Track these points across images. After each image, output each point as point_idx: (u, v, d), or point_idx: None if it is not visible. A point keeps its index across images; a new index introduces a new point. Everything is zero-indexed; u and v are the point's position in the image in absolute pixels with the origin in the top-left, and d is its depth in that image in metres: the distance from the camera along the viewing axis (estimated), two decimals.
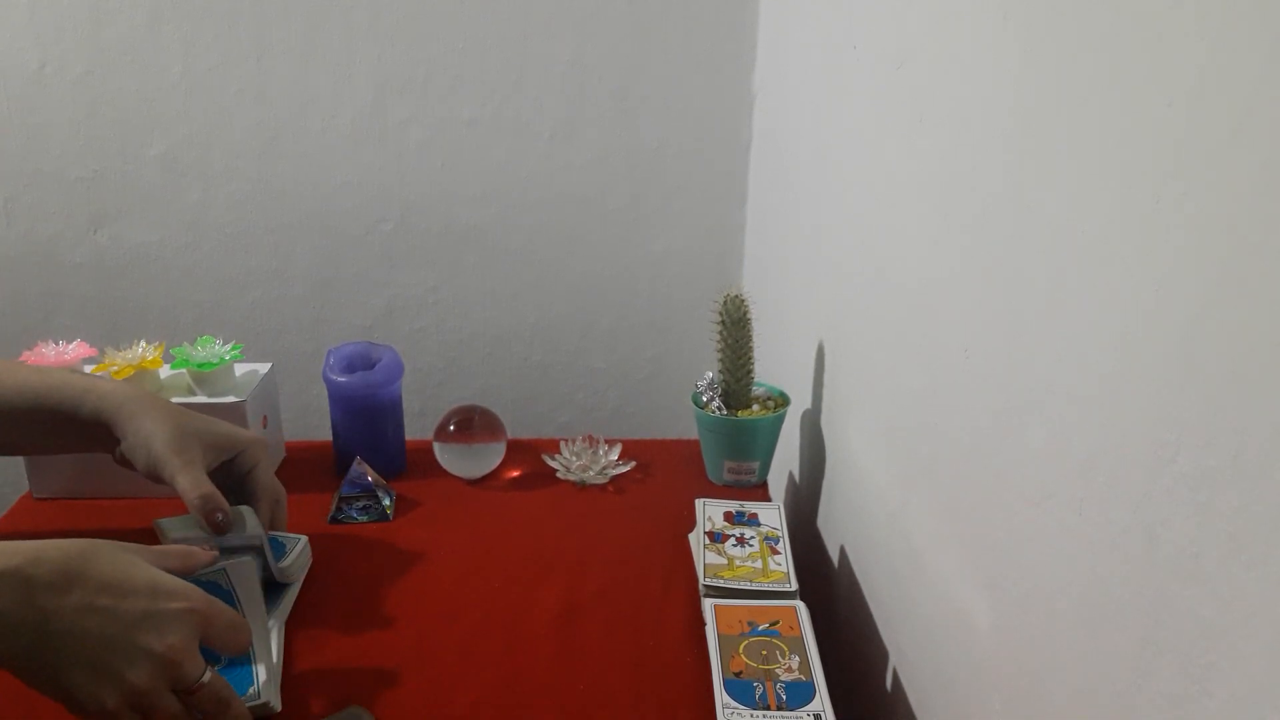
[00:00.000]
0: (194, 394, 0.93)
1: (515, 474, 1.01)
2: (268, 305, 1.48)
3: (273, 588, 0.76)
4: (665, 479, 1.00)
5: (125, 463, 0.76)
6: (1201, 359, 0.37)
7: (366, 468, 0.94)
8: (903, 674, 0.74)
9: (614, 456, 1.01)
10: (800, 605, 0.73)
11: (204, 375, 0.92)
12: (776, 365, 1.16)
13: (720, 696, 0.63)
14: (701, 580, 0.77)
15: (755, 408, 0.99)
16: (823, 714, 0.62)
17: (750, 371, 0.98)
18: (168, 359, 0.96)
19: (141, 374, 0.92)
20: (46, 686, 0.57)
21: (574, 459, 1.00)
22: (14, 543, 0.57)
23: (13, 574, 0.55)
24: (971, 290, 0.60)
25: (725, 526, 0.84)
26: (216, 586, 0.67)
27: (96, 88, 1.35)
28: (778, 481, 1.15)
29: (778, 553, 0.81)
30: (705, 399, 0.99)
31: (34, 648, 0.56)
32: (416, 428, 1.18)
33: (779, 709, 0.62)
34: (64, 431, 0.76)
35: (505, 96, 1.38)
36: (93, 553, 0.59)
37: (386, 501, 0.93)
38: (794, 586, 0.76)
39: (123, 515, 0.89)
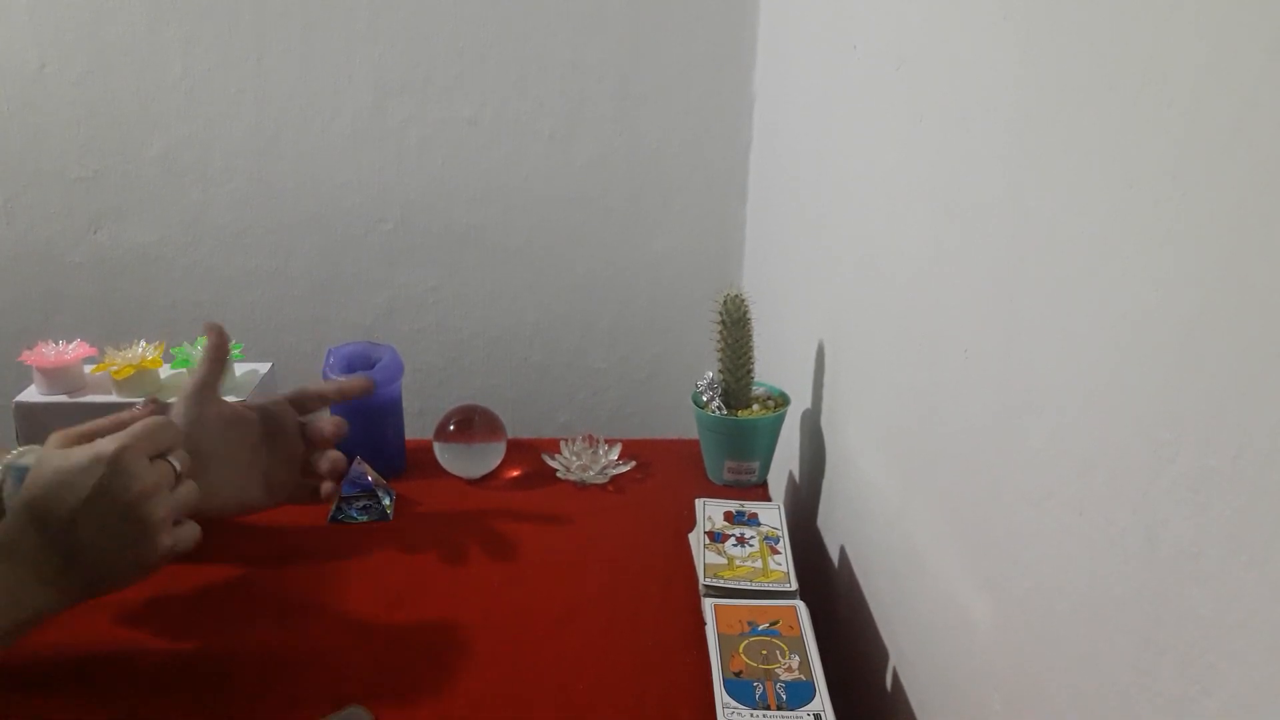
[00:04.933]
0: None
1: (515, 474, 1.01)
2: (268, 305, 1.48)
3: None
4: (665, 479, 1.00)
5: None
6: (1201, 359, 0.37)
7: (366, 467, 0.94)
8: (903, 674, 0.74)
9: (614, 456, 1.01)
10: (800, 605, 0.73)
11: None
12: (776, 365, 1.16)
13: (720, 696, 0.63)
14: (701, 580, 0.77)
15: (755, 407, 0.99)
16: (823, 714, 0.62)
17: (750, 371, 0.98)
18: (168, 359, 0.96)
19: (141, 374, 0.92)
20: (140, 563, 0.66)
21: (574, 459, 1.00)
22: None
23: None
24: (971, 290, 0.60)
25: (725, 526, 0.84)
26: None
27: (96, 88, 1.35)
28: (778, 481, 1.15)
29: (778, 552, 0.81)
30: (705, 399, 0.99)
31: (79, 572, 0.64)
32: (416, 427, 1.18)
33: (779, 709, 0.62)
34: None
35: (505, 96, 1.38)
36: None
37: (386, 501, 0.93)
38: (794, 586, 0.76)
39: None
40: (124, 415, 0.73)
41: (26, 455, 0.71)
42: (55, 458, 0.64)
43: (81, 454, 0.64)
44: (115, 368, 0.91)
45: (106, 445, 0.65)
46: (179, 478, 0.68)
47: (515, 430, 1.04)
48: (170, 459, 0.68)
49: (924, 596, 0.69)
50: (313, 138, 1.39)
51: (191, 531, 0.69)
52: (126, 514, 0.64)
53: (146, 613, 0.74)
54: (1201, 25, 0.37)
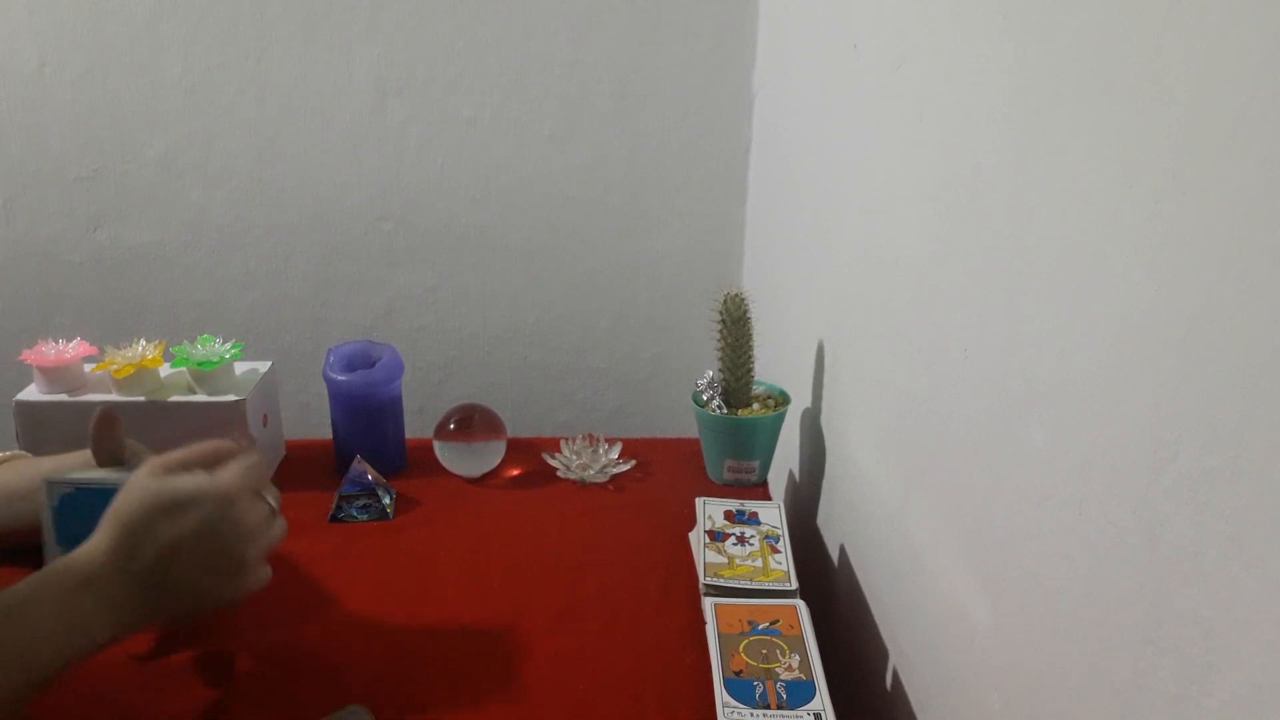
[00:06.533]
0: (194, 393, 0.93)
1: (515, 473, 1.01)
2: (267, 304, 1.48)
3: None
4: (665, 478, 1.00)
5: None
6: (1201, 359, 0.37)
7: (367, 466, 0.94)
8: (903, 674, 0.74)
9: (614, 455, 1.01)
10: (800, 604, 0.73)
11: (204, 374, 0.92)
12: (776, 364, 1.16)
13: (720, 695, 0.63)
14: (702, 579, 0.77)
15: (755, 406, 0.99)
16: (823, 713, 0.62)
17: (750, 370, 0.98)
18: (168, 358, 0.96)
19: (141, 372, 0.92)
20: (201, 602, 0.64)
21: (574, 458, 1.00)
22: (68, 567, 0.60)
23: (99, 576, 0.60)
24: (972, 290, 0.60)
25: (725, 525, 0.84)
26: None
27: (96, 87, 1.35)
28: (778, 480, 1.15)
29: (778, 551, 0.81)
30: (705, 398, 0.99)
31: (156, 603, 0.62)
32: (416, 426, 1.18)
33: (779, 708, 0.62)
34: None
35: (505, 96, 1.38)
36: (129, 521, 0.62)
37: (386, 500, 0.93)
38: (794, 585, 0.76)
39: None
40: (219, 446, 0.68)
41: (70, 472, 0.71)
42: (155, 486, 0.62)
43: (189, 486, 0.62)
44: (115, 366, 0.91)
45: (222, 482, 0.63)
46: (273, 515, 0.68)
47: (515, 429, 1.04)
48: (266, 497, 0.67)
49: (924, 596, 0.69)
50: (313, 138, 1.39)
51: (268, 572, 0.67)
52: (228, 553, 0.63)
53: None
54: (1201, 25, 0.37)
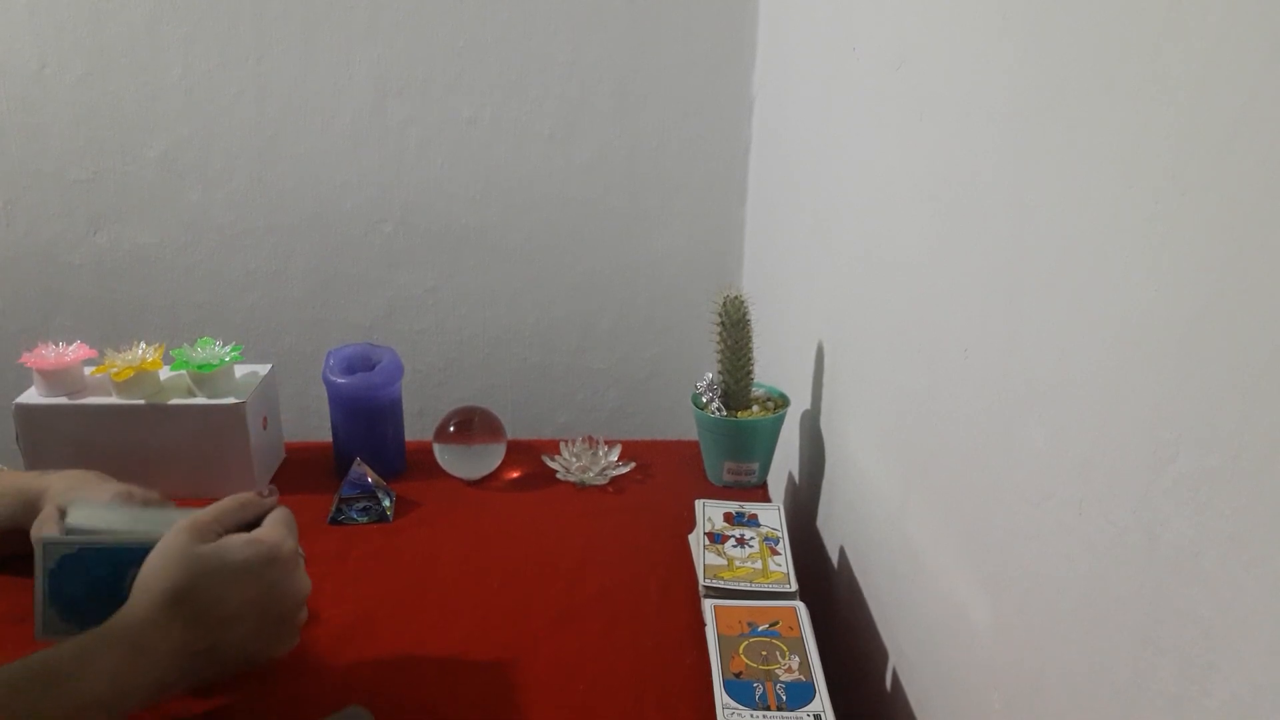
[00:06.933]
0: (194, 396, 0.93)
1: (515, 475, 1.01)
2: (267, 306, 1.48)
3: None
4: (665, 480, 1.00)
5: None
6: (1201, 359, 0.37)
7: (366, 469, 0.94)
8: (903, 674, 0.74)
9: (614, 457, 1.01)
10: (800, 606, 0.73)
11: (204, 377, 0.92)
12: (776, 365, 1.16)
13: (720, 697, 0.63)
14: (701, 581, 0.77)
15: (755, 408, 0.99)
16: (822, 714, 0.62)
17: (750, 372, 0.98)
18: (167, 360, 0.96)
19: (141, 375, 0.92)
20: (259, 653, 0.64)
21: (574, 460, 1.00)
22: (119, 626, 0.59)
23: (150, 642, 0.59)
24: (971, 290, 0.60)
25: (725, 527, 0.84)
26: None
27: (96, 88, 1.35)
28: (777, 482, 1.15)
29: (777, 553, 0.81)
30: (705, 400, 0.99)
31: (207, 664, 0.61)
32: (416, 428, 1.18)
33: (779, 709, 0.62)
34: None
35: (505, 96, 1.38)
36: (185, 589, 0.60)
37: (386, 502, 0.93)
38: (794, 587, 0.76)
39: None
40: (247, 500, 0.67)
41: (71, 525, 0.68)
42: (209, 555, 0.61)
43: (250, 554, 0.62)
44: (115, 369, 0.91)
45: (281, 547, 0.63)
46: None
47: (515, 431, 1.04)
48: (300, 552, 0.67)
49: (924, 596, 0.69)
50: (313, 138, 1.39)
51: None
52: (281, 618, 0.64)
53: None
54: (1201, 25, 0.37)
